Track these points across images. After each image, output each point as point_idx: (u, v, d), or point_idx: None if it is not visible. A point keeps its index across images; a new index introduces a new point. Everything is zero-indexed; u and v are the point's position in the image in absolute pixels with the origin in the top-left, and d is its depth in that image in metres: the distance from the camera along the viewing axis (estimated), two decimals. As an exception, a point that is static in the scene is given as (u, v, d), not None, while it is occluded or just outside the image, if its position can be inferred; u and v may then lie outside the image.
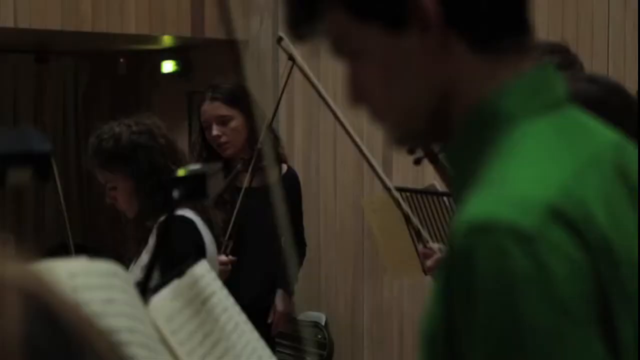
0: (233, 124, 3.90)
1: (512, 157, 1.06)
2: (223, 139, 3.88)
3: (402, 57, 1.10)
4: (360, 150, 2.94)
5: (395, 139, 1.17)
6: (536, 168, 1.04)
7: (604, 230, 1.00)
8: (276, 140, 4.04)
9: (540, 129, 1.08)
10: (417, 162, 2.98)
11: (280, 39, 3.02)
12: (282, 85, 3.79)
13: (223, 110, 3.89)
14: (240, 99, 3.86)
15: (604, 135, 1.14)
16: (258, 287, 3.94)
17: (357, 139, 2.94)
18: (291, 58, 2.98)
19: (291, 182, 4.06)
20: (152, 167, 2.90)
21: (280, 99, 3.94)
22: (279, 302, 4.06)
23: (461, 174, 1.13)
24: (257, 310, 3.37)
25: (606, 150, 1.10)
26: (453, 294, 1.01)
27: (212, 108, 3.90)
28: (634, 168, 1.11)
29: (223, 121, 3.88)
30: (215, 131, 3.86)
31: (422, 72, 1.10)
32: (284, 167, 4.05)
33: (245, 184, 3.73)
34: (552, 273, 0.96)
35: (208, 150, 3.91)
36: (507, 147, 1.07)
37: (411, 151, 3.04)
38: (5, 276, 0.66)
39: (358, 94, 1.16)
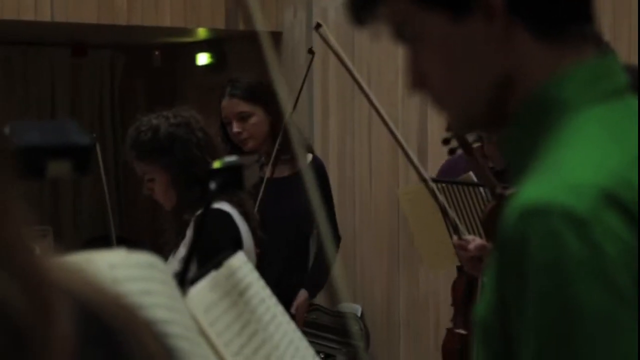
0: (253, 119, 3.89)
1: (568, 144, 1.06)
2: (244, 135, 3.87)
3: (465, 44, 1.11)
4: (397, 140, 2.93)
5: (455, 124, 1.18)
6: (591, 154, 1.04)
7: None
8: (298, 130, 4.03)
9: (598, 117, 1.08)
10: (452, 152, 2.97)
11: (318, 26, 3.00)
12: (304, 74, 3.78)
13: (242, 106, 3.88)
14: (259, 93, 3.85)
15: None
16: (279, 278, 3.95)
17: (393, 128, 2.93)
18: (328, 44, 2.97)
19: (318, 172, 4.06)
20: (189, 159, 2.92)
21: (302, 88, 3.92)
22: (296, 303, 4.03)
23: (517, 159, 1.13)
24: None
25: None
26: (506, 279, 1.01)
27: (231, 105, 3.89)
28: None
29: (243, 117, 3.87)
30: (235, 128, 3.86)
31: (484, 59, 1.11)
32: (309, 157, 4.04)
33: (267, 174, 3.74)
34: (606, 256, 0.97)
35: (230, 144, 3.92)
36: (565, 134, 1.07)
37: (446, 141, 3.03)
38: (55, 280, 0.66)
39: (418, 80, 1.16)
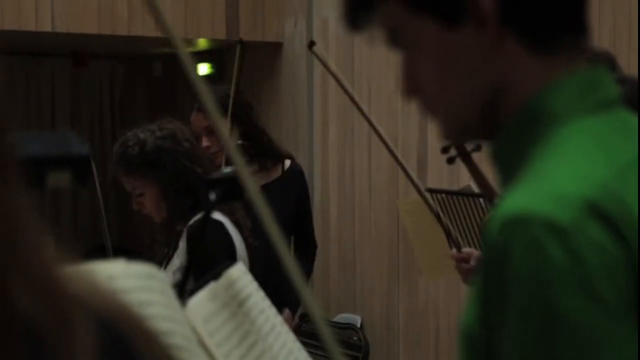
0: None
1: (555, 154, 1.07)
2: (213, 149, 3.85)
3: (457, 52, 1.11)
4: (394, 155, 2.93)
5: (447, 132, 1.18)
6: (577, 165, 1.04)
7: None
8: (263, 136, 3.99)
9: (587, 128, 1.09)
10: (451, 161, 2.97)
11: (311, 44, 3.01)
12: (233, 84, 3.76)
13: (209, 120, 3.87)
14: (227, 107, 3.85)
15: None
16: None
17: (390, 144, 2.93)
18: (323, 63, 2.97)
19: (294, 177, 4.04)
20: (178, 170, 2.92)
21: (235, 92, 3.90)
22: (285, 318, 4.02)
23: (507, 169, 1.14)
24: None
25: None
26: (489, 288, 1.01)
27: (199, 119, 3.89)
28: None
29: (211, 131, 3.86)
30: (204, 142, 3.84)
31: (476, 68, 1.11)
32: (287, 163, 4.03)
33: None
34: (588, 266, 0.96)
35: None
36: (552, 145, 1.08)
37: (445, 150, 3.04)
38: (73, 292, 0.67)
39: (411, 86, 1.16)
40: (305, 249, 4.15)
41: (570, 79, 1.11)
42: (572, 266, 0.96)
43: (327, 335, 1.21)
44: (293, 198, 4.01)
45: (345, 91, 2.92)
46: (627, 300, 0.98)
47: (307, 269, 4.20)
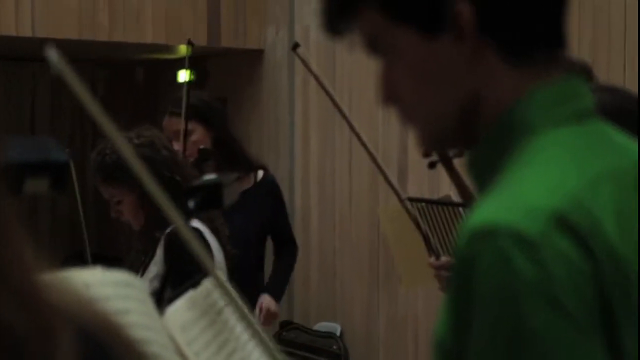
0: (193, 137, 3.87)
1: (526, 166, 1.07)
2: (185, 153, 3.84)
3: (434, 62, 1.11)
4: (375, 161, 2.93)
5: (423, 140, 1.18)
6: (547, 177, 1.04)
7: (612, 242, 1.01)
8: (235, 145, 3.97)
9: (560, 140, 1.09)
10: (432, 165, 2.97)
11: (295, 46, 3.00)
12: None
13: (181, 124, 3.86)
14: (199, 112, 3.85)
15: (628, 149, 1.14)
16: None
17: (372, 150, 2.94)
18: (306, 66, 2.97)
19: (267, 188, 4.02)
20: (156, 178, 2.91)
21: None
22: (267, 302, 3.94)
23: (481, 179, 1.14)
24: None
25: (628, 165, 1.10)
26: (458, 299, 1.02)
27: (171, 123, 3.88)
28: None
29: (183, 135, 3.86)
30: (175, 146, 3.83)
31: (453, 77, 1.12)
32: (260, 174, 4.01)
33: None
34: (555, 279, 0.97)
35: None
36: (524, 156, 1.08)
37: (426, 154, 3.03)
38: (54, 302, 0.66)
39: (389, 93, 1.17)
40: (286, 246, 4.15)
41: (545, 90, 1.11)
42: (539, 279, 0.97)
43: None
44: (266, 208, 3.98)
45: (328, 94, 2.92)
46: (594, 314, 0.98)
47: (290, 262, 4.18)
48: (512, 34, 1.10)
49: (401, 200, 3.01)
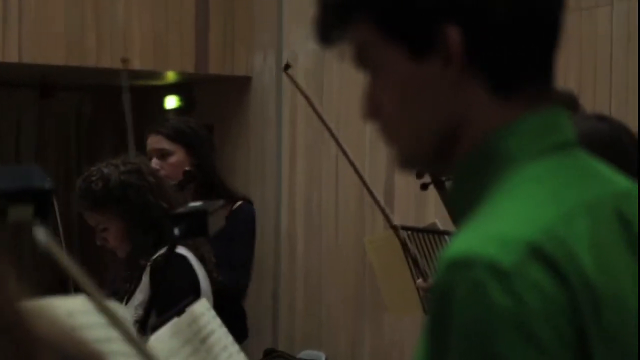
0: (172, 159, 3.87)
1: (503, 197, 1.07)
2: (161, 173, 3.82)
3: (419, 83, 1.12)
4: (366, 185, 2.93)
5: (400, 161, 1.18)
6: (524, 209, 1.05)
7: (588, 274, 1.01)
8: (215, 176, 3.93)
9: (539, 172, 1.09)
10: (424, 187, 2.98)
11: (287, 67, 2.99)
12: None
13: (164, 144, 3.86)
14: (184, 136, 3.84)
15: (609, 181, 1.15)
16: None
17: (363, 175, 2.93)
18: (297, 86, 2.96)
19: (239, 217, 3.94)
20: (143, 205, 2.90)
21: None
22: None
23: (460, 209, 1.14)
24: None
25: (607, 196, 1.11)
26: (434, 330, 1.02)
27: (154, 141, 3.88)
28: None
29: (162, 155, 3.83)
30: (154, 164, 3.81)
31: (435, 101, 1.12)
32: (238, 203, 3.94)
33: None
34: (529, 310, 0.98)
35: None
36: (503, 187, 1.08)
37: (419, 175, 3.04)
38: (38, 331, 0.66)
39: (372, 109, 1.17)
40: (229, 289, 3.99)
41: (526, 121, 1.11)
42: (513, 310, 0.98)
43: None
44: (232, 236, 3.88)
45: (318, 115, 2.92)
46: (568, 344, 0.99)
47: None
48: (501, 65, 1.11)
49: (392, 226, 3.00)
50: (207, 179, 3.88)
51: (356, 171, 2.93)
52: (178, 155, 3.86)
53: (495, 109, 1.11)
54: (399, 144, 1.16)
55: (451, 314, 1.00)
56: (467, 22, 1.09)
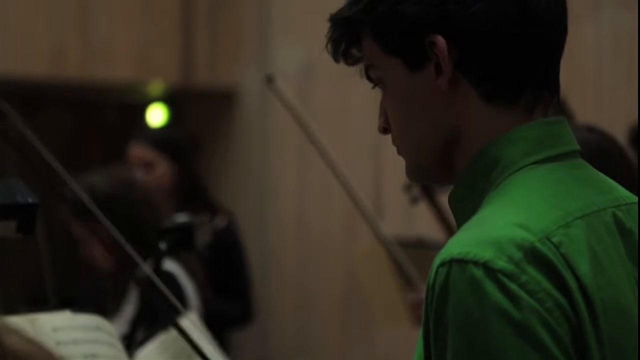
0: (157, 171, 3.79)
1: (502, 202, 1.10)
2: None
3: (417, 94, 1.15)
4: (355, 201, 2.91)
5: (408, 172, 1.21)
6: (522, 213, 1.07)
7: (584, 277, 1.04)
8: (199, 188, 3.88)
9: (538, 179, 1.11)
10: (414, 201, 2.97)
11: (269, 80, 2.93)
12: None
13: (148, 153, 3.80)
14: (168, 144, 3.78)
15: (608, 190, 1.16)
16: None
17: (353, 188, 2.91)
18: (280, 99, 2.91)
19: (224, 238, 3.88)
20: (130, 218, 2.88)
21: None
22: None
23: (461, 215, 1.16)
24: None
25: (605, 205, 1.13)
26: (430, 327, 1.05)
27: (138, 150, 3.80)
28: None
29: (147, 164, 3.75)
30: (137, 173, 3.76)
31: (433, 112, 1.15)
32: (222, 223, 3.87)
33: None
34: (525, 308, 1.01)
35: None
36: (501, 193, 1.11)
37: (408, 188, 3.04)
38: (24, 352, 0.65)
39: (384, 123, 1.21)
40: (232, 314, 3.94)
41: (525, 130, 1.13)
42: (509, 308, 1.01)
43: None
44: (219, 261, 3.82)
45: (305, 129, 2.89)
46: (564, 345, 1.01)
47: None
48: (490, 75, 1.12)
49: (380, 240, 2.98)
50: (190, 189, 3.83)
51: (344, 185, 2.90)
52: (162, 167, 3.81)
53: (492, 117, 1.13)
54: (406, 156, 1.19)
55: (448, 312, 1.02)
56: (452, 32, 1.11)
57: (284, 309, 5.64)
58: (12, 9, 5.25)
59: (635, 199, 1.17)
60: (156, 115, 6.65)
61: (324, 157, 2.85)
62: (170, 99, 6.49)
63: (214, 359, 1.76)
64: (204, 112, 6.28)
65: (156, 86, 6.10)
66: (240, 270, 3.97)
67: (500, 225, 1.06)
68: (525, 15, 1.12)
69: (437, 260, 1.05)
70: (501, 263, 1.02)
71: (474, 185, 1.14)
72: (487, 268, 1.02)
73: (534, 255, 1.03)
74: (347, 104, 5.21)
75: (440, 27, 1.11)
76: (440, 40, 1.11)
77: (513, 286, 1.01)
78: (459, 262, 1.03)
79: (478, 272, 1.02)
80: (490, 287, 1.01)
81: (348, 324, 5.30)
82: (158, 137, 3.87)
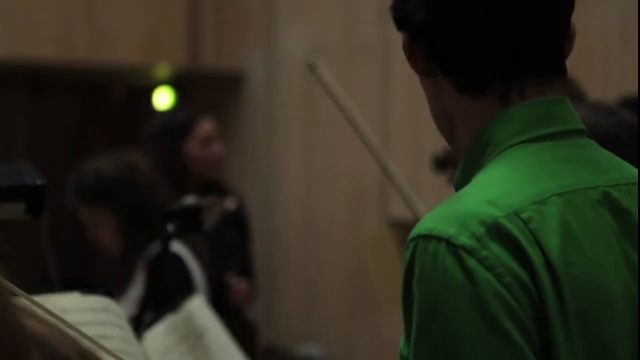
0: (216, 147, 3.89)
1: (479, 180, 1.14)
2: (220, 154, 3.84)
3: (426, 93, 1.23)
4: (386, 170, 2.84)
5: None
6: (491, 190, 1.11)
7: (551, 253, 1.07)
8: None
9: (523, 156, 1.14)
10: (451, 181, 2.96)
11: (312, 67, 2.81)
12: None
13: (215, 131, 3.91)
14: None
15: (605, 171, 1.17)
16: None
17: (391, 166, 2.84)
18: (324, 86, 2.82)
19: (233, 220, 3.87)
20: (137, 201, 2.88)
21: None
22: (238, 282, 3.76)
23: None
24: None
25: (596, 183, 1.14)
26: (402, 302, 1.10)
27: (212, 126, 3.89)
28: None
29: (213, 140, 3.90)
30: (215, 147, 3.85)
31: (433, 102, 1.22)
32: (232, 204, 3.92)
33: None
34: (480, 283, 1.04)
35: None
36: (483, 171, 1.15)
37: (440, 165, 3.05)
38: (34, 333, 0.66)
39: None
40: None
41: (521, 109, 1.16)
42: (466, 284, 1.04)
43: None
44: (228, 241, 3.86)
45: (347, 115, 2.83)
46: (521, 318, 1.05)
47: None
48: (456, 67, 1.18)
49: (415, 210, 2.86)
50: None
51: (380, 163, 2.84)
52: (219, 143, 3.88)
53: (468, 108, 1.18)
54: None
55: (414, 286, 1.07)
56: (414, 30, 1.18)
57: (290, 295, 5.65)
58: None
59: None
60: (163, 99, 6.65)
61: (370, 149, 2.79)
62: (177, 82, 6.49)
63: (223, 340, 1.77)
64: (210, 95, 6.28)
65: (163, 69, 6.10)
66: (245, 254, 4.00)
67: (469, 202, 1.10)
68: (487, 8, 1.15)
69: (409, 236, 1.10)
70: (463, 238, 1.05)
71: (471, 167, 1.17)
72: (449, 243, 1.05)
73: (497, 231, 1.06)
74: (354, 88, 5.21)
75: (404, 25, 1.19)
76: (404, 36, 1.19)
77: (472, 261, 1.04)
78: (425, 238, 1.07)
79: (440, 248, 1.06)
80: (450, 262, 1.05)
81: (354, 310, 5.31)
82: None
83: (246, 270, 3.95)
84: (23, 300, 0.73)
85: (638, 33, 3.66)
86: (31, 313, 0.70)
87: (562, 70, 1.20)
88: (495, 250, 1.05)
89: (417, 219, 2.90)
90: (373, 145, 2.79)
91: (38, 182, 1.28)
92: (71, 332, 0.72)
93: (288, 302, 5.68)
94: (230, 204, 3.89)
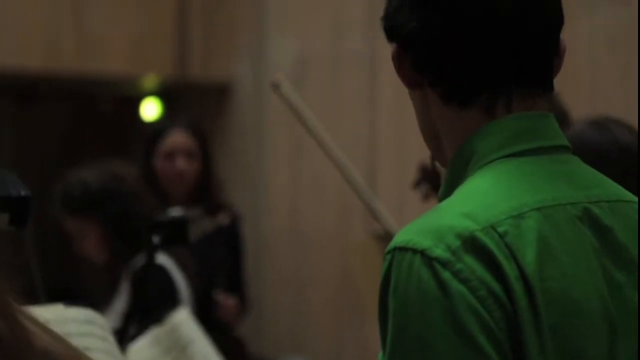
0: (196, 162, 3.79)
1: (458, 193, 1.14)
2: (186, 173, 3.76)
3: (414, 105, 1.23)
4: (366, 202, 2.87)
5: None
6: (469, 203, 1.11)
7: (527, 267, 1.06)
8: (216, 187, 3.84)
9: (503, 170, 1.14)
10: (425, 197, 2.97)
11: (276, 86, 2.80)
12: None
13: (191, 143, 3.79)
14: (203, 137, 3.80)
15: (585, 187, 1.17)
16: None
17: (358, 181, 2.86)
18: (289, 105, 2.82)
19: (225, 235, 3.83)
20: (122, 212, 2.88)
21: None
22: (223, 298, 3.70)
23: None
24: None
25: (577, 199, 1.14)
26: (378, 314, 1.10)
27: (182, 138, 3.79)
28: (625, 223, 1.15)
29: (189, 153, 3.77)
30: (178, 163, 3.73)
31: (420, 113, 1.23)
32: (226, 219, 3.85)
33: None
34: (454, 296, 1.04)
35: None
36: (464, 185, 1.15)
37: (416, 185, 3.05)
38: (35, 344, 0.66)
39: None
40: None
41: (504, 124, 1.16)
42: (440, 297, 1.04)
43: None
44: (217, 258, 3.83)
45: (313, 135, 2.83)
46: (494, 332, 1.04)
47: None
48: (442, 79, 1.18)
49: (386, 231, 2.90)
50: (209, 183, 3.79)
51: (348, 179, 2.86)
52: (199, 158, 3.73)
53: (454, 120, 1.18)
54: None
55: (389, 298, 1.07)
56: (402, 41, 1.19)
57: (278, 304, 5.64)
58: (7, 2, 5.24)
59: (626, 197, 1.18)
60: (150, 109, 6.65)
61: (335, 163, 2.80)
62: (164, 93, 6.48)
63: (208, 352, 1.76)
64: (198, 105, 6.28)
65: (151, 80, 6.09)
66: (236, 270, 3.96)
67: (447, 215, 1.10)
68: (478, 18, 1.15)
69: (387, 248, 1.10)
70: (438, 251, 1.06)
71: (455, 180, 1.17)
72: (424, 255, 1.06)
73: (472, 244, 1.06)
74: (341, 98, 5.21)
75: (395, 36, 1.19)
76: (393, 48, 1.19)
77: (446, 274, 1.05)
78: (401, 250, 1.07)
79: (416, 260, 1.06)
80: (425, 274, 1.05)
81: (342, 319, 5.31)
82: (196, 127, 3.83)
83: (235, 286, 3.91)
84: (26, 311, 0.74)
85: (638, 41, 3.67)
86: (34, 323, 0.70)
87: (549, 87, 1.20)
88: (470, 263, 1.05)
89: (384, 229, 2.91)
90: (340, 162, 2.81)
91: (23, 193, 1.27)
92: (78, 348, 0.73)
93: (275, 313, 5.67)
94: (223, 219, 3.85)
